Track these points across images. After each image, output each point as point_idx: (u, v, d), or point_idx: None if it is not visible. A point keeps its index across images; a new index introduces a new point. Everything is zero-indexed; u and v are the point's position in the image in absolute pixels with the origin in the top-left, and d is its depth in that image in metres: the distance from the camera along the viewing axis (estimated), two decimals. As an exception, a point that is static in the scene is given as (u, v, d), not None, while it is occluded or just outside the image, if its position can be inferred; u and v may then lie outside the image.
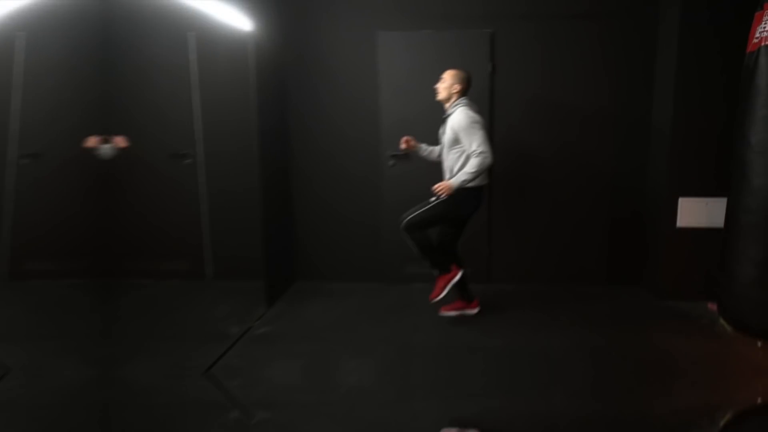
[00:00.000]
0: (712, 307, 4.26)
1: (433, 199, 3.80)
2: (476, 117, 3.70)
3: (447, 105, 3.86)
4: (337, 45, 4.76)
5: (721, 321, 4.01)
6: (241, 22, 3.93)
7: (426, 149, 4.09)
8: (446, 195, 3.72)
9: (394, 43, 4.63)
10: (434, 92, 3.88)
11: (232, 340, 3.75)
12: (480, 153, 3.60)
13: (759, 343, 3.73)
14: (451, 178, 3.78)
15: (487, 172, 3.86)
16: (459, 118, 3.69)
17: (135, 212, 4.55)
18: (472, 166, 3.63)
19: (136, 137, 4.45)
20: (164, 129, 4.64)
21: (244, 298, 4.59)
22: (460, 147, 3.73)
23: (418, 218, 3.80)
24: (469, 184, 3.72)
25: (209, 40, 4.51)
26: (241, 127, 4.31)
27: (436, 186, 3.75)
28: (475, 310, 4.09)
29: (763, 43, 3.49)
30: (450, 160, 3.83)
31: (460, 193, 3.73)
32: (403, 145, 3.99)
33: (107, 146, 3.70)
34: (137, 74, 4.42)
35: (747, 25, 3.68)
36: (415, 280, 4.88)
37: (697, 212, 4.44)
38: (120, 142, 3.68)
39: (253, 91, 4.11)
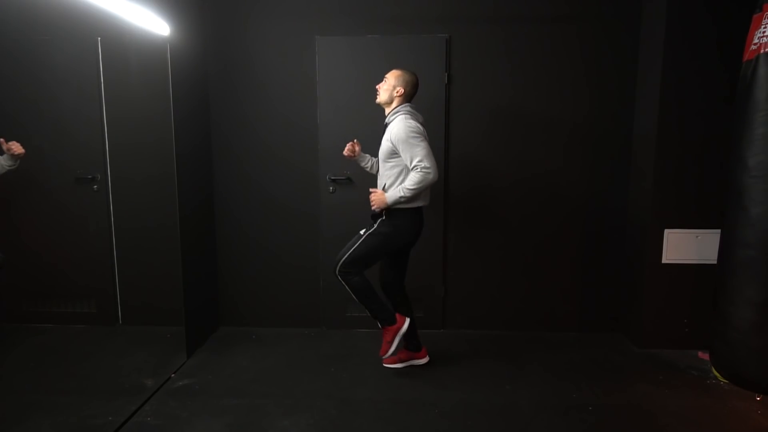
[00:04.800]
0: (703, 356, 4.60)
1: (363, 231, 4.09)
2: (417, 127, 3.92)
3: (387, 110, 4.11)
4: (269, 53, 5.02)
5: (714, 372, 4.28)
6: (157, 26, 4.11)
7: (369, 161, 4.41)
8: (378, 209, 4.01)
9: (336, 49, 4.95)
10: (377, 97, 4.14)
11: (147, 394, 3.98)
12: (422, 168, 3.83)
13: (758, 398, 3.98)
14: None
15: (429, 192, 4.14)
16: (398, 128, 3.91)
17: (33, 246, 4.75)
18: (411, 181, 3.86)
19: (35, 158, 4.68)
20: (68, 148, 4.83)
21: (161, 346, 4.86)
22: (397, 160, 3.97)
23: (351, 257, 4.03)
24: (407, 205, 3.98)
25: (120, 45, 4.75)
26: (157, 149, 4.58)
27: (371, 195, 4.04)
28: (423, 360, 4.38)
29: (762, 50, 3.70)
30: (385, 175, 4.07)
31: (396, 217, 4.01)
32: (346, 151, 4.28)
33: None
34: (35, 85, 4.64)
35: (744, 30, 3.94)
36: (357, 325, 5.22)
37: (686, 246, 4.71)
38: (14, 148, 3.68)
39: (171, 106, 4.36)
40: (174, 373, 4.36)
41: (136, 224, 5.01)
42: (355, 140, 4.27)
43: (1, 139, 3.65)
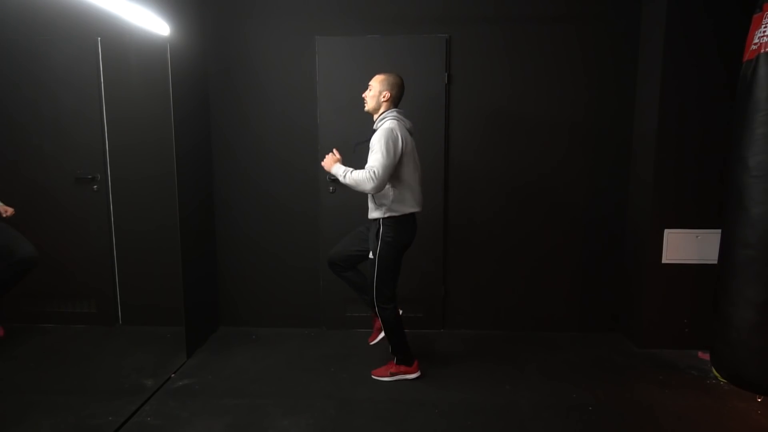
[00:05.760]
0: (703, 356, 4.59)
1: (371, 254, 4.09)
2: (397, 140, 3.85)
3: (375, 116, 4.10)
4: (269, 53, 5.03)
5: (714, 372, 4.29)
6: (157, 26, 4.11)
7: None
8: (325, 166, 4.05)
9: (336, 50, 4.95)
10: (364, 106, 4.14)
11: (147, 394, 3.99)
12: (372, 174, 3.77)
13: (758, 399, 3.96)
14: (371, 205, 4.06)
15: (420, 198, 4.12)
16: (381, 132, 3.88)
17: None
18: (356, 176, 3.84)
19: (35, 158, 4.71)
20: (68, 148, 4.84)
21: (160, 347, 4.85)
22: None
23: (378, 286, 4.05)
24: (400, 212, 3.97)
25: (120, 45, 4.76)
26: (157, 149, 4.58)
27: (327, 156, 4.09)
28: (414, 375, 4.32)
29: (762, 50, 3.74)
30: None
31: (391, 227, 3.99)
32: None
33: None
34: (35, 85, 4.65)
35: (744, 30, 3.97)
36: (357, 325, 5.22)
37: (686, 246, 4.70)
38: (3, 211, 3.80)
39: (171, 106, 4.36)
40: (174, 373, 4.36)
41: (136, 224, 5.02)
42: (335, 149, 4.22)
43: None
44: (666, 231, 4.69)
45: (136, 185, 4.96)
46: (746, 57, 3.90)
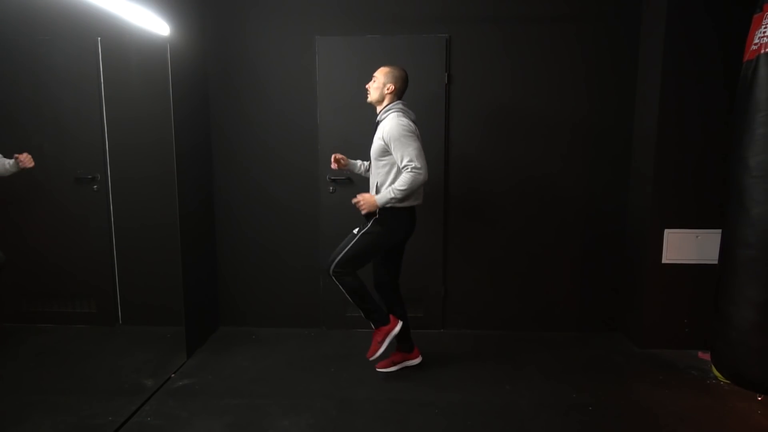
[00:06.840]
0: (704, 356, 4.60)
1: (357, 230, 4.06)
2: (410, 126, 3.89)
3: (379, 108, 4.08)
4: (269, 53, 5.03)
5: (714, 372, 4.29)
6: (157, 26, 4.12)
7: (362, 165, 4.40)
8: (365, 211, 3.96)
9: (335, 49, 4.95)
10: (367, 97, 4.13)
11: (147, 394, 3.99)
12: (413, 168, 3.79)
13: (759, 398, 3.97)
14: (377, 193, 4.01)
15: (422, 191, 4.12)
16: (390, 125, 3.86)
17: (33, 246, 4.76)
18: (402, 182, 3.81)
19: (35, 158, 4.69)
20: (68, 148, 4.83)
21: (160, 346, 4.86)
22: (389, 158, 3.94)
23: (345, 257, 3.98)
24: (400, 204, 3.94)
25: (120, 45, 4.75)
26: (157, 149, 4.58)
27: (356, 199, 3.99)
28: (416, 360, 4.37)
29: (762, 51, 3.74)
30: (377, 173, 4.04)
31: (388, 216, 3.97)
32: (333, 165, 4.28)
33: (7, 162, 3.78)
34: (35, 85, 4.64)
35: (744, 30, 3.97)
36: (357, 325, 5.21)
37: (686, 246, 4.70)
38: (26, 161, 3.81)
39: (171, 106, 4.36)
40: (174, 373, 4.36)
41: (136, 224, 5.02)
42: (335, 154, 4.24)
43: (17, 155, 3.76)
44: (666, 231, 4.69)
45: (136, 185, 4.96)
46: (746, 57, 3.90)
